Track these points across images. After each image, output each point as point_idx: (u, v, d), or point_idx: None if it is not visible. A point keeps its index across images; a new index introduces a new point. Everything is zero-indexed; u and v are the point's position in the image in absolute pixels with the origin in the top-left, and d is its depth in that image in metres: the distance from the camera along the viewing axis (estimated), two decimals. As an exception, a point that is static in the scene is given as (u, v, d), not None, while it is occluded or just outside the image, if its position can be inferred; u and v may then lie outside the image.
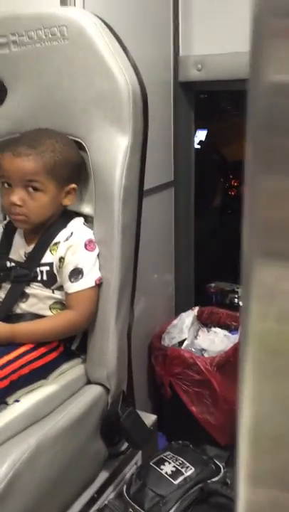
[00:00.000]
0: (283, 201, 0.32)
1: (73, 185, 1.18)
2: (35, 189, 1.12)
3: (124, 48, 1.15)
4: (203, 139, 2.59)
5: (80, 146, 1.19)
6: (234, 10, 1.47)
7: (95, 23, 1.13)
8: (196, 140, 2.26)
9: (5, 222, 1.29)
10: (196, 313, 1.84)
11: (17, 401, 1.09)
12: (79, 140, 1.18)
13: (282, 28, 0.30)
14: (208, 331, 1.83)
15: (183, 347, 1.71)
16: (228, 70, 1.58)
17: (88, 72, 1.12)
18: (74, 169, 1.18)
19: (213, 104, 2.19)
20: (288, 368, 0.30)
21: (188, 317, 1.81)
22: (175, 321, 1.82)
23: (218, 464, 1.27)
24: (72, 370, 1.21)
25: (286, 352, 0.30)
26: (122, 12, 1.45)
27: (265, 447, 0.30)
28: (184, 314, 1.83)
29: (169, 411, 1.70)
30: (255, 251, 0.33)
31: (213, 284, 2.20)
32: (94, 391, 1.20)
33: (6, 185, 1.14)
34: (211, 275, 2.27)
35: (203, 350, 1.73)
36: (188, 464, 1.22)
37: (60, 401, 1.15)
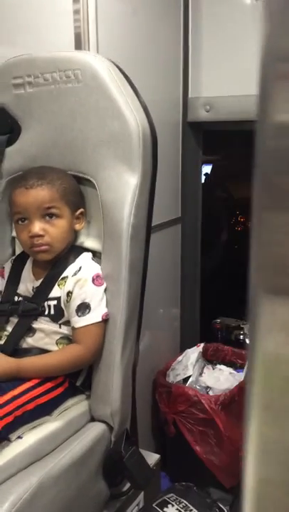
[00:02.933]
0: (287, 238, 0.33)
1: (82, 210, 1.23)
2: (54, 216, 1.16)
3: (136, 91, 1.19)
4: (210, 174, 2.63)
5: (90, 184, 1.22)
6: (241, 54, 1.53)
7: (108, 67, 1.17)
8: (203, 175, 2.30)
9: (13, 257, 1.31)
10: (201, 350, 1.83)
11: (20, 437, 1.08)
12: (89, 178, 1.21)
13: (288, 72, 0.32)
14: (214, 368, 1.82)
15: (187, 384, 1.69)
16: (235, 111, 1.63)
17: (100, 114, 1.16)
18: (79, 195, 1.24)
19: (219, 141, 2.23)
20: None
21: (193, 353, 1.80)
22: (180, 358, 1.80)
23: (222, 507, 1.24)
24: (76, 407, 1.20)
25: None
26: (134, 56, 1.50)
27: (270, 477, 0.30)
28: (189, 351, 1.82)
29: (173, 450, 1.67)
30: (262, 287, 0.33)
31: (218, 320, 2.20)
32: (97, 429, 1.19)
33: (20, 221, 1.17)
34: (216, 311, 2.27)
35: (208, 387, 1.71)
36: (191, 507, 1.19)
37: (63, 438, 1.14)
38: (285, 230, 0.33)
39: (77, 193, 1.23)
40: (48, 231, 1.16)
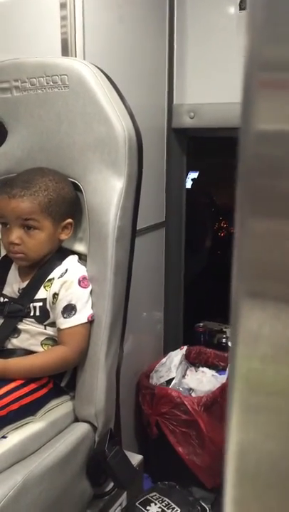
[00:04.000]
0: (271, 243, 0.34)
1: (69, 220, 1.22)
2: (32, 227, 1.16)
3: (122, 97, 1.22)
4: (194, 180, 2.67)
5: (76, 187, 1.23)
6: (225, 63, 1.57)
7: (94, 72, 1.19)
8: (188, 181, 2.33)
9: (-1, 258, 1.32)
10: (184, 353, 1.86)
11: (4, 437, 1.09)
12: (75, 181, 1.23)
13: (270, 81, 0.34)
14: (196, 371, 1.84)
15: (170, 386, 1.71)
16: (219, 118, 1.67)
17: (87, 118, 1.18)
18: (69, 205, 1.22)
19: (204, 147, 2.27)
20: (267, 403, 0.32)
21: (176, 356, 1.82)
22: (163, 360, 1.83)
23: (205, 506, 1.26)
24: (60, 407, 1.21)
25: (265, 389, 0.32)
26: (120, 62, 1.53)
27: (249, 472, 0.32)
28: (172, 353, 1.85)
29: (156, 451, 1.69)
30: (243, 291, 0.35)
31: (201, 324, 2.23)
32: (81, 429, 1.20)
33: (3, 225, 1.18)
34: (199, 315, 2.30)
35: (190, 389, 1.74)
36: (174, 505, 1.21)
37: (47, 438, 1.15)
38: (267, 235, 0.34)
39: (67, 202, 1.21)
40: (25, 241, 1.17)
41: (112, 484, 1.27)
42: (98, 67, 1.22)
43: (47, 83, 1.22)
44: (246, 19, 0.34)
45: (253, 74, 0.34)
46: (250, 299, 0.35)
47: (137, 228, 1.27)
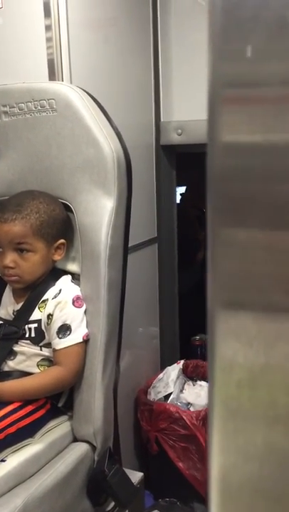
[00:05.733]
0: (241, 253, 0.36)
1: (62, 241, 1.23)
2: (25, 250, 1.18)
3: (109, 118, 1.24)
4: (183, 195, 2.70)
5: (67, 208, 1.25)
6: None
7: (81, 96, 1.22)
8: (178, 196, 2.35)
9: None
10: (181, 367, 1.86)
11: (3, 460, 1.09)
12: (66, 202, 1.24)
13: (232, 97, 0.36)
14: (194, 385, 1.85)
15: (169, 401, 1.71)
16: (205, 134, 1.69)
17: (75, 141, 1.20)
18: (61, 226, 1.23)
19: (192, 161, 2.30)
20: (245, 426, 0.34)
21: (173, 371, 1.83)
22: (161, 375, 1.83)
23: (206, 521, 1.26)
24: (58, 428, 1.21)
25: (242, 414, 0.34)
26: (107, 82, 1.56)
27: (232, 494, 0.33)
28: (169, 368, 1.85)
29: (156, 467, 1.69)
30: (218, 300, 0.36)
31: (197, 337, 2.23)
32: (80, 449, 1.20)
33: None
34: (195, 328, 2.30)
35: (189, 404, 1.74)
36: (175, 523, 1.21)
37: (46, 460, 1.15)
38: (236, 245, 0.36)
39: (59, 223, 1.22)
40: (19, 264, 1.18)
41: (113, 503, 1.27)
42: (85, 90, 1.24)
43: (35, 107, 1.24)
44: (207, 38, 0.35)
45: (216, 90, 0.36)
46: (224, 307, 0.36)
47: (130, 245, 1.28)
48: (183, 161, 1.96)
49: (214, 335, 0.35)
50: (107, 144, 1.19)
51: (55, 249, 1.23)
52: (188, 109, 1.76)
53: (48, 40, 1.37)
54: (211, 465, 0.34)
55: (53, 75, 1.38)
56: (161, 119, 1.81)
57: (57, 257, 1.23)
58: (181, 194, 2.65)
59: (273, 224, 0.34)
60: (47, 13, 1.35)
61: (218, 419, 0.34)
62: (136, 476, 1.45)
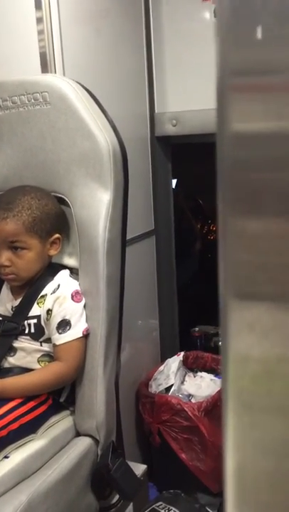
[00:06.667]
0: (253, 243, 0.35)
1: (57, 235, 1.22)
2: (20, 248, 1.17)
3: (103, 110, 1.23)
4: (180, 186, 2.68)
5: (64, 202, 1.24)
6: (203, 70, 1.58)
7: (74, 88, 1.20)
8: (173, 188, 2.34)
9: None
10: (181, 359, 1.86)
11: (6, 457, 1.08)
12: (63, 196, 1.23)
13: (243, 85, 0.35)
14: (195, 376, 1.85)
15: (170, 393, 1.71)
16: (200, 124, 1.68)
17: (70, 134, 1.19)
18: (54, 220, 1.21)
19: (188, 152, 2.29)
20: (261, 420, 0.33)
21: (174, 362, 1.82)
22: (161, 367, 1.83)
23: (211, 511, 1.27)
24: (61, 423, 1.21)
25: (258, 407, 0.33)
26: (100, 74, 1.54)
27: (248, 490, 0.33)
28: (170, 360, 1.85)
29: (159, 459, 1.69)
30: (230, 293, 0.35)
31: (197, 328, 2.23)
32: (83, 443, 1.20)
33: None
34: (194, 319, 2.30)
35: (190, 395, 1.74)
36: (180, 514, 1.21)
37: (49, 455, 1.15)
38: (249, 235, 0.35)
39: (52, 218, 1.20)
40: (14, 262, 1.17)
41: (117, 496, 1.27)
42: (78, 82, 1.23)
43: (28, 101, 1.22)
44: (215, 26, 0.35)
45: (225, 79, 0.35)
46: (237, 299, 0.35)
47: (127, 238, 1.27)
48: (180, 152, 1.95)
49: (227, 328, 0.34)
50: (103, 137, 1.17)
51: (51, 245, 1.21)
52: (182, 99, 1.75)
53: (40, 32, 1.35)
54: (227, 461, 0.33)
55: (45, 68, 1.37)
56: (156, 110, 1.79)
57: (53, 252, 1.22)
58: (177, 186, 2.64)
59: (287, 213, 0.33)
60: (38, 5, 1.33)
61: (232, 413, 0.34)
62: (139, 469, 1.45)
